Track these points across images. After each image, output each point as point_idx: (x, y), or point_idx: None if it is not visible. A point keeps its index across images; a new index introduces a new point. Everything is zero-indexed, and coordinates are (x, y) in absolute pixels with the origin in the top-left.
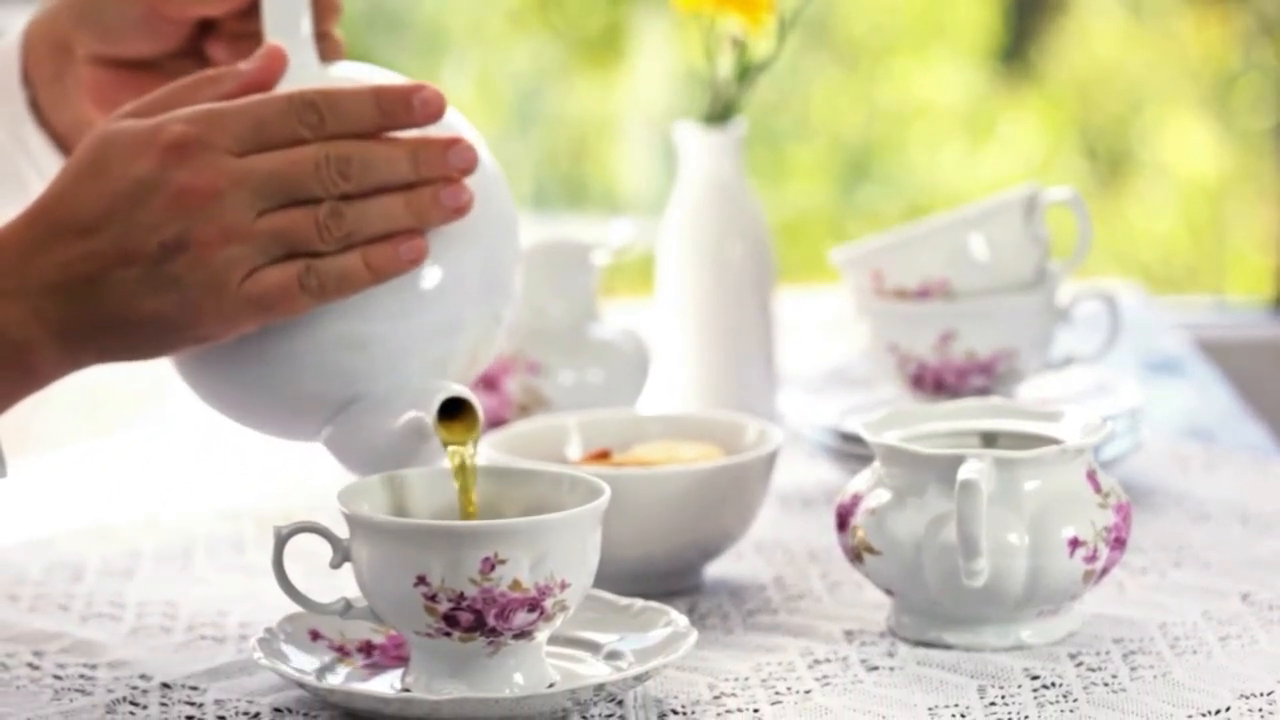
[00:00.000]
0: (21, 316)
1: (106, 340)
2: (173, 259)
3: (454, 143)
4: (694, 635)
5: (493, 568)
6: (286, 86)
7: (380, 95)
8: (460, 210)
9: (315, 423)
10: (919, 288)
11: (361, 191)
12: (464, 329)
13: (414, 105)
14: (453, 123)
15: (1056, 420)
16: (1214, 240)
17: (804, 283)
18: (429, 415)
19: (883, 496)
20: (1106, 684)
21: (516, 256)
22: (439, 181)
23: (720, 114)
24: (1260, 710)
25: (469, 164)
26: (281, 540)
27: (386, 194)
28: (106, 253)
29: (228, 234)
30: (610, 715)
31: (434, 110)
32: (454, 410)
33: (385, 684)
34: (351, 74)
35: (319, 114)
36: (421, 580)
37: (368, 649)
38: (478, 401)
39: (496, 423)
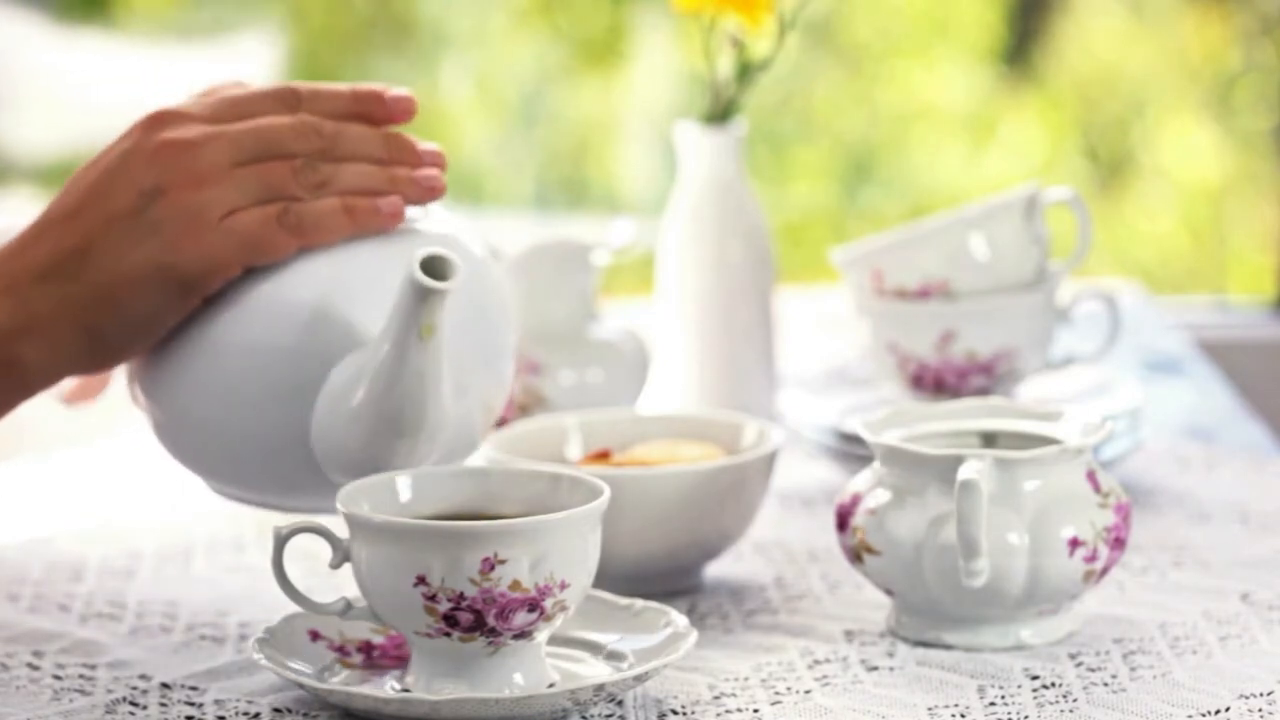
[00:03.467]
0: (9, 307)
1: (96, 318)
2: (152, 205)
3: (424, 144)
4: (694, 635)
5: (492, 568)
6: None
7: (356, 90)
8: (434, 190)
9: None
10: (919, 288)
11: (335, 157)
12: (468, 393)
13: (386, 99)
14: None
15: (1056, 420)
16: (1214, 241)
17: (806, 283)
18: (414, 272)
19: (882, 496)
20: (1106, 684)
21: (514, 327)
22: (412, 163)
23: (720, 114)
24: (1260, 710)
25: (440, 161)
26: (281, 540)
27: (362, 163)
28: (92, 222)
29: (204, 178)
30: (610, 715)
31: (405, 106)
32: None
33: (385, 684)
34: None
35: (298, 98)
36: (421, 580)
37: (368, 649)
38: (450, 253)
39: (496, 423)
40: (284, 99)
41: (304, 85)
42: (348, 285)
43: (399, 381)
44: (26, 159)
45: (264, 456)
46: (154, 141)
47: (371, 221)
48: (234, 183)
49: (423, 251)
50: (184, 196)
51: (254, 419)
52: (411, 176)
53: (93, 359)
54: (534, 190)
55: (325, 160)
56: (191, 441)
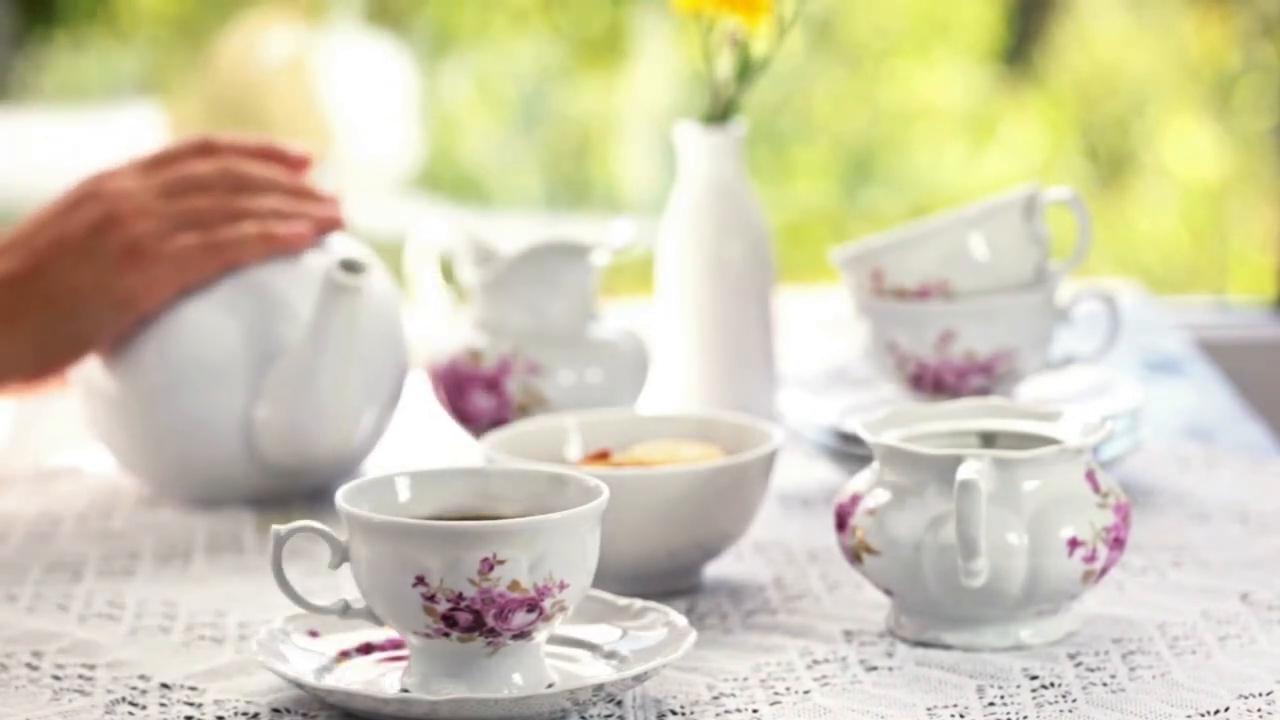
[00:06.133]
0: None
1: (44, 328)
2: (98, 235)
3: (325, 188)
4: (693, 635)
5: (491, 568)
6: None
7: (264, 141)
8: (335, 222)
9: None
10: (918, 287)
11: (251, 193)
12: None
13: (289, 151)
14: None
15: (1056, 420)
16: (1215, 240)
17: (807, 283)
18: (332, 270)
19: (882, 496)
20: (1105, 684)
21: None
22: (315, 200)
23: (720, 114)
24: (1259, 710)
25: (338, 201)
26: (280, 541)
27: (273, 198)
28: (44, 248)
29: (142, 212)
30: (609, 715)
31: (305, 158)
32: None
33: (384, 684)
34: None
35: (214, 146)
36: (420, 580)
37: (367, 649)
38: (365, 259)
39: (496, 423)
40: (203, 148)
41: (219, 136)
42: (266, 302)
43: (321, 369)
44: None
45: (199, 455)
46: (97, 187)
47: (286, 245)
48: (166, 217)
49: (338, 255)
50: (125, 226)
51: (190, 426)
52: (316, 211)
53: (37, 366)
54: (534, 190)
55: (242, 195)
56: (136, 449)
